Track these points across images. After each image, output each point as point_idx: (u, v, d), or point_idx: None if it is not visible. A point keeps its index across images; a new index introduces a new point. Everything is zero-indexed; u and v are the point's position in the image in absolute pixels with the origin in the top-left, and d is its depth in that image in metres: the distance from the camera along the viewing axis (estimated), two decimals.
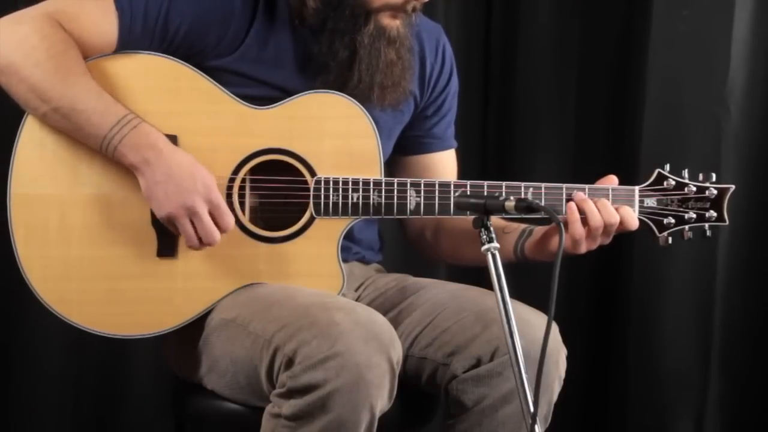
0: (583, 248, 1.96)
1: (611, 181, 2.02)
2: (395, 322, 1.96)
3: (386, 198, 1.98)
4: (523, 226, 2.05)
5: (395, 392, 1.83)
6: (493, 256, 1.72)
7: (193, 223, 1.89)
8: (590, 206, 1.95)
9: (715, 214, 2.03)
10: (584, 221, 1.95)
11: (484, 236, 1.74)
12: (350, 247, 2.13)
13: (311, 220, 1.98)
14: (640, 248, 2.96)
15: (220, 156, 1.93)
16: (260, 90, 1.98)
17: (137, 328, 1.96)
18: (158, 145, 1.88)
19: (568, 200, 1.97)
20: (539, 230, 2.02)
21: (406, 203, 1.99)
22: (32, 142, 1.92)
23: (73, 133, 1.90)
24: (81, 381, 2.89)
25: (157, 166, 1.87)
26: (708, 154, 2.94)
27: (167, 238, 1.94)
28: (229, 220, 1.91)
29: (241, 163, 1.95)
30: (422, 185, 1.99)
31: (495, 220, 1.79)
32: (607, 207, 1.96)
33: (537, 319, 1.92)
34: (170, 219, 1.89)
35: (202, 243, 1.90)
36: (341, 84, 1.99)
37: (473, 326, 1.96)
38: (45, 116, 1.90)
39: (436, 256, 2.26)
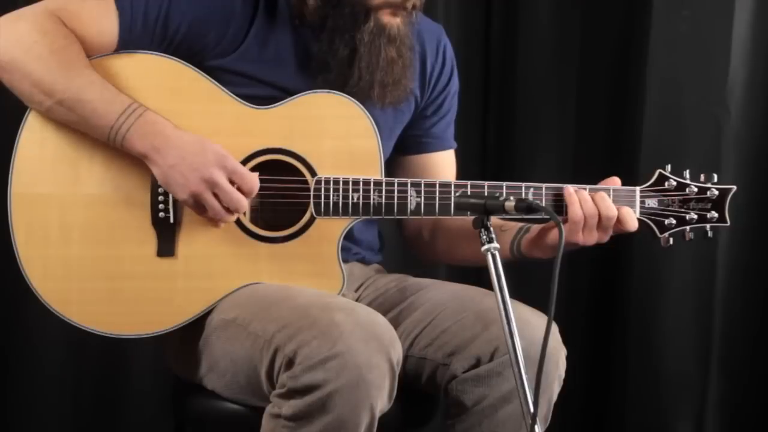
0: (581, 237, 1.95)
1: (614, 183, 2.01)
2: (395, 323, 1.96)
3: (386, 198, 1.98)
4: (520, 224, 2.05)
5: (395, 392, 1.83)
6: (493, 256, 1.72)
7: (217, 196, 1.89)
8: (583, 194, 1.96)
9: (716, 215, 2.03)
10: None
11: (484, 237, 1.73)
12: (350, 248, 2.12)
13: (311, 220, 1.98)
14: (640, 248, 2.96)
15: None
16: (261, 89, 1.98)
17: (137, 328, 1.96)
18: (165, 132, 1.89)
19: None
20: (536, 227, 2.01)
21: (407, 203, 1.98)
22: (33, 141, 1.92)
23: (78, 125, 1.90)
24: (81, 381, 2.89)
25: (168, 151, 1.87)
26: (708, 155, 2.94)
27: (167, 238, 1.94)
28: (252, 181, 1.90)
29: (241, 163, 1.94)
30: (422, 185, 1.98)
31: (493, 219, 1.78)
32: (605, 199, 1.95)
33: (537, 319, 1.92)
34: (194, 197, 1.88)
35: (230, 212, 1.90)
36: (342, 82, 1.99)
37: (473, 326, 1.96)
38: (49, 111, 1.89)
39: (432, 256, 2.25)
